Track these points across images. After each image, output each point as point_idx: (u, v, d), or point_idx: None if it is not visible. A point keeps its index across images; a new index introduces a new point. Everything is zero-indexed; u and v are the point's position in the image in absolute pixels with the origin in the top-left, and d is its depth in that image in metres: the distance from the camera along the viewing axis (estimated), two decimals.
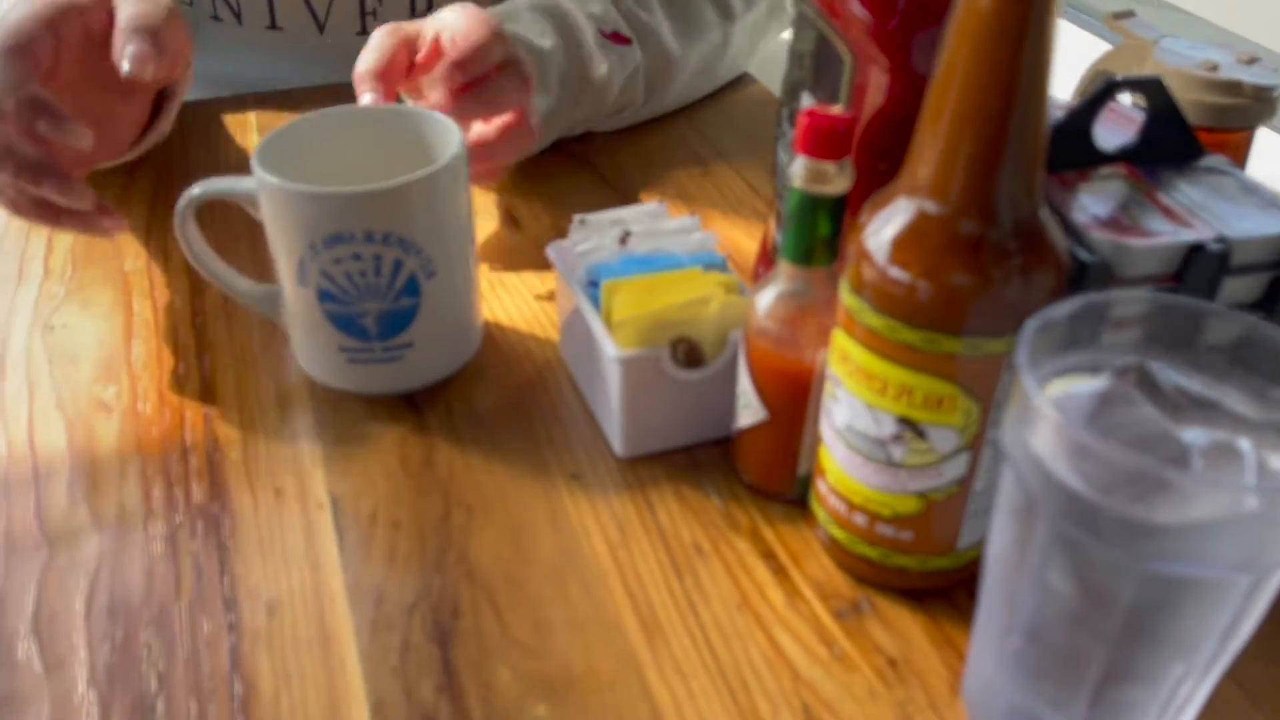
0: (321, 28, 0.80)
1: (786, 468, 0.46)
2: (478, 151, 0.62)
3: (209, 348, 0.56)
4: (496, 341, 0.56)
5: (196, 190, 0.50)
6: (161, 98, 0.66)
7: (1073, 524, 0.30)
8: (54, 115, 0.50)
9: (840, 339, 0.39)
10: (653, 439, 0.49)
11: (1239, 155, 0.56)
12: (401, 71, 0.60)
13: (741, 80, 0.84)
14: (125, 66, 0.52)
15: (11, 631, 0.41)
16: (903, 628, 0.42)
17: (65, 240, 0.64)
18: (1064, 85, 0.51)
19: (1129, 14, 0.63)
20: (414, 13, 0.79)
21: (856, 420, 0.40)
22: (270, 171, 0.47)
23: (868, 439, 0.39)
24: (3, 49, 0.51)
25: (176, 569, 0.44)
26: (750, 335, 0.44)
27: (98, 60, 0.55)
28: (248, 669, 0.40)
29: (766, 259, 0.54)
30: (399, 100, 0.62)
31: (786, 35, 0.82)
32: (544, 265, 0.62)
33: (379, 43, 0.59)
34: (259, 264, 0.62)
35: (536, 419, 0.51)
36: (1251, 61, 0.57)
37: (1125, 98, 0.48)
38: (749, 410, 0.45)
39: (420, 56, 0.60)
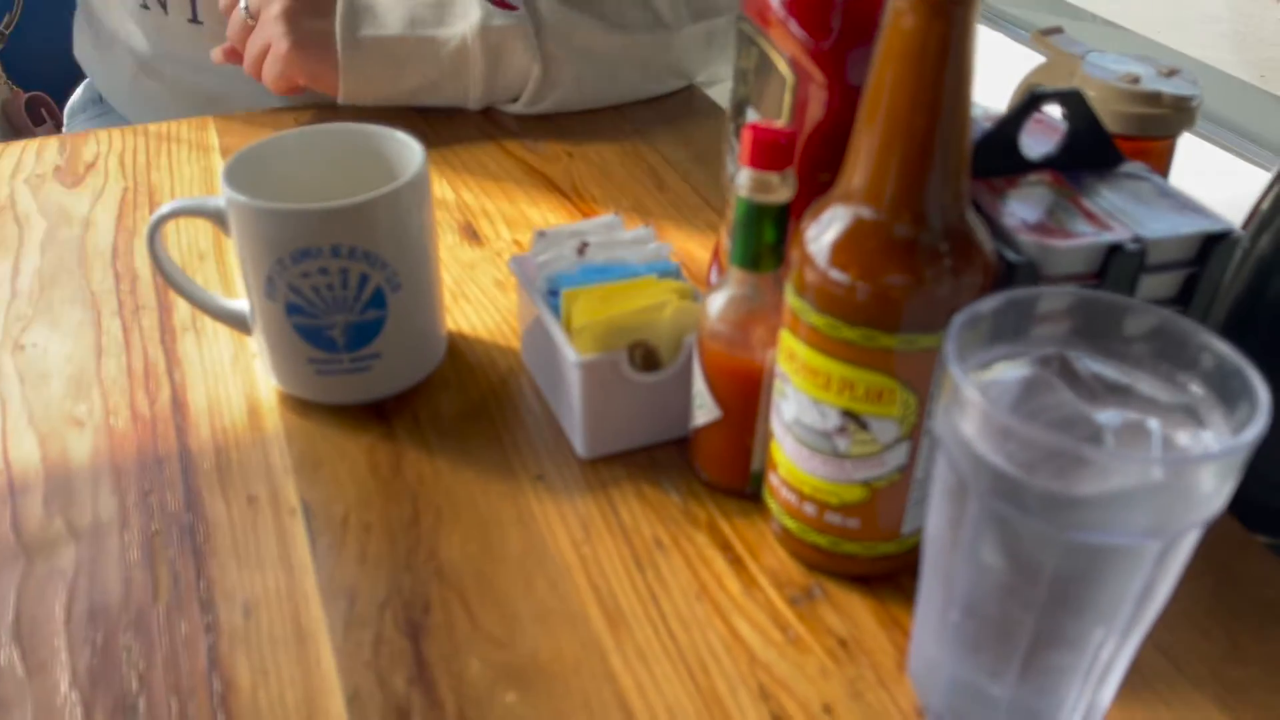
0: None
1: (741, 464, 0.48)
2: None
3: (178, 363, 0.57)
4: (460, 351, 0.58)
5: (166, 209, 0.52)
6: None
7: (1001, 500, 0.33)
8: None
9: (787, 339, 0.42)
10: (613, 440, 0.51)
11: (1161, 162, 0.59)
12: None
13: (695, 99, 0.87)
14: None
15: None
16: (852, 611, 0.44)
17: (32, 261, 0.65)
18: (998, 98, 0.54)
19: (1057, 30, 0.66)
20: None
21: (804, 414, 0.42)
22: (238, 190, 0.49)
23: (815, 432, 0.42)
24: None
25: (153, 574, 0.45)
26: (703, 338, 0.47)
27: None
28: (226, 667, 0.41)
29: (719, 267, 0.56)
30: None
31: None
32: (504, 277, 0.64)
33: None
34: (224, 280, 0.64)
35: (501, 424, 0.53)
36: (1171, 74, 0.60)
37: (1051, 110, 0.51)
38: (704, 410, 0.48)
39: None
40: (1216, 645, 0.43)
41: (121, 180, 0.74)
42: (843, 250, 0.39)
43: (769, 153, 0.42)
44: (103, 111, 1.01)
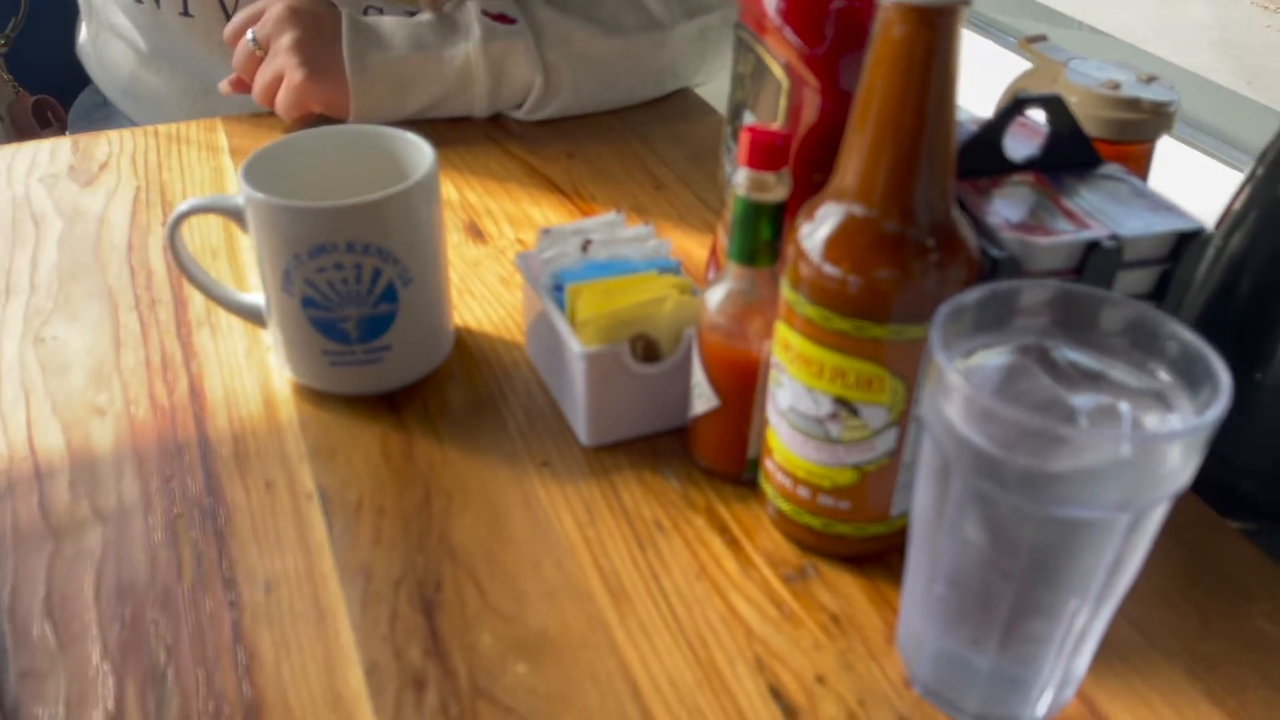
0: (228, 18, 0.86)
1: (738, 451, 0.50)
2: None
3: (195, 355, 0.59)
4: (467, 345, 0.60)
5: (186, 206, 0.54)
6: None
7: (982, 478, 0.35)
8: None
9: (782, 330, 0.44)
10: (615, 429, 0.53)
11: (1141, 165, 0.62)
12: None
13: (690, 102, 0.90)
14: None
15: (26, 614, 0.44)
16: (844, 589, 0.46)
17: (49, 257, 0.67)
18: (986, 102, 0.56)
19: (1041, 38, 0.69)
20: None
21: (798, 402, 0.44)
22: (255, 188, 0.51)
23: (808, 419, 0.44)
24: None
25: (177, 555, 0.47)
26: (702, 330, 0.49)
27: None
28: (250, 641, 0.43)
29: (717, 264, 0.59)
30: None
31: None
32: (508, 274, 0.67)
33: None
34: (236, 276, 0.66)
35: (507, 414, 0.55)
36: (1150, 80, 0.63)
37: (1035, 114, 0.53)
38: (703, 399, 0.50)
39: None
40: (1188, 621, 0.45)
41: (134, 179, 0.76)
42: (835, 246, 0.41)
43: (765, 154, 0.44)
44: (107, 114, 1.03)
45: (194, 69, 0.91)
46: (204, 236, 0.70)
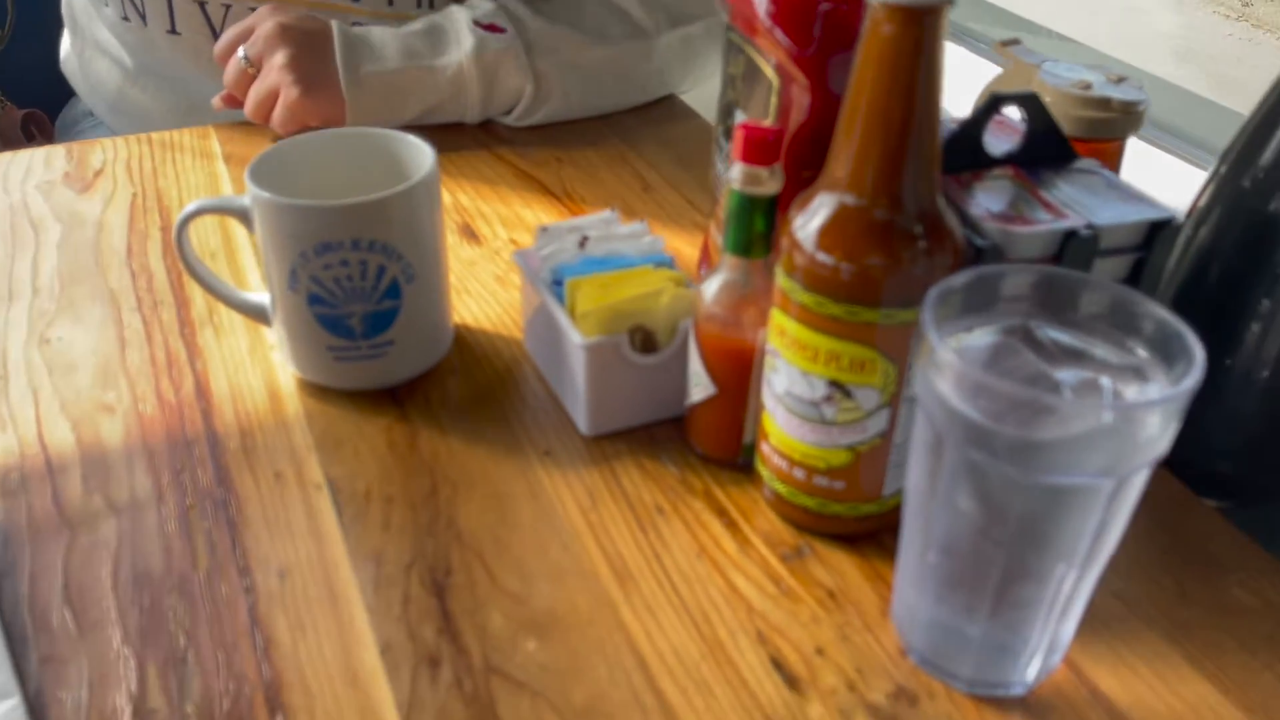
0: (215, 35, 0.87)
1: (734, 436, 0.52)
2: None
3: (199, 354, 0.60)
4: (466, 341, 0.62)
5: (193, 207, 0.55)
6: None
7: (974, 449, 0.37)
8: None
9: (778, 317, 0.46)
10: (615, 418, 0.55)
11: (1113, 163, 0.64)
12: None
13: (676, 107, 0.92)
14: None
15: (45, 603, 0.45)
16: (839, 566, 0.48)
17: (50, 261, 0.68)
18: (962, 106, 0.59)
19: (1015, 41, 0.71)
20: None
21: (794, 386, 0.46)
22: (262, 187, 0.53)
23: (803, 401, 0.46)
24: None
25: (191, 544, 0.48)
26: (699, 321, 0.51)
27: None
28: (266, 625, 0.45)
29: (707, 260, 0.61)
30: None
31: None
32: (503, 273, 0.68)
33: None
34: (236, 277, 0.67)
35: (508, 406, 0.57)
36: (1120, 81, 0.66)
37: (1011, 112, 0.56)
38: (700, 387, 0.52)
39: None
40: (1166, 591, 0.48)
41: (130, 186, 0.77)
42: (828, 235, 0.43)
43: (759, 149, 0.46)
44: (94, 126, 1.04)
45: (182, 87, 0.92)
46: (202, 240, 0.71)
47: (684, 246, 0.71)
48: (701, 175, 0.80)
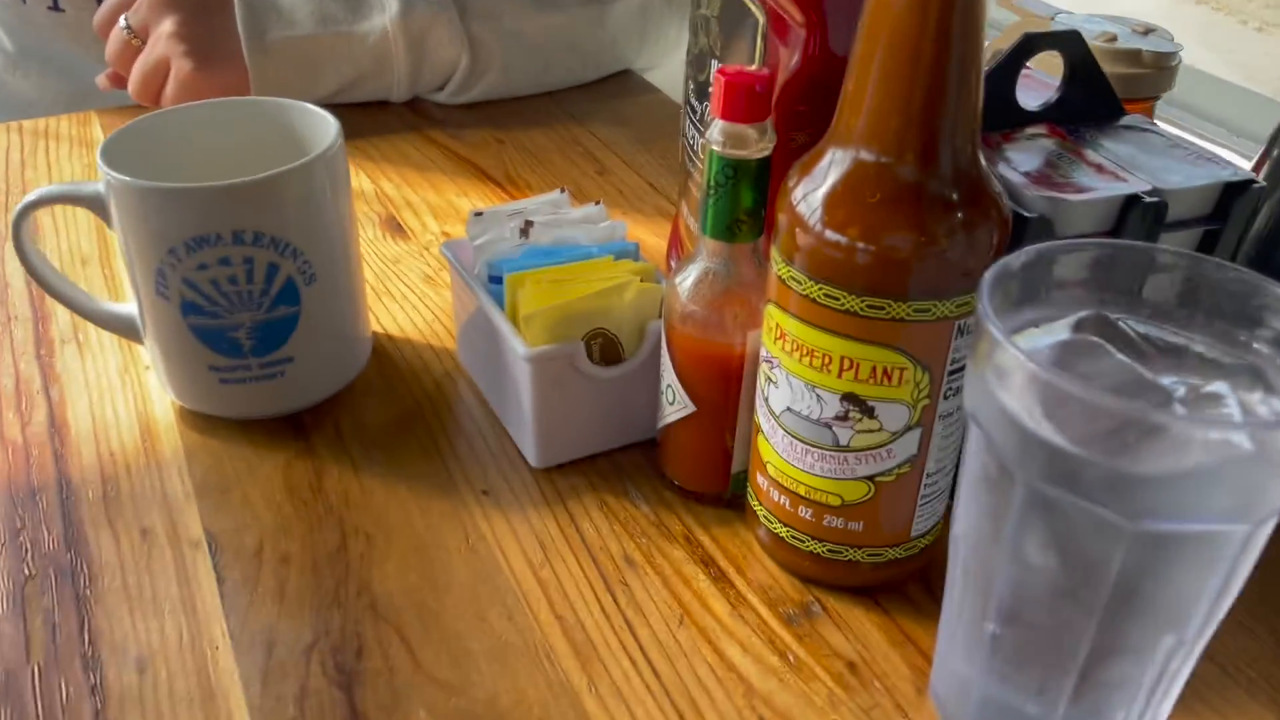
0: None
1: (719, 465, 0.42)
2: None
3: (56, 379, 0.49)
4: (387, 354, 0.51)
5: (33, 196, 0.44)
6: None
7: (1052, 484, 0.28)
8: None
9: (774, 315, 0.36)
10: (570, 446, 0.45)
11: None
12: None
13: (631, 81, 0.82)
14: None
15: None
16: (858, 629, 0.38)
17: None
18: None
19: None
20: None
21: (797, 402, 0.36)
22: (119, 170, 0.42)
23: (810, 422, 0.36)
24: None
25: (25, 628, 0.37)
26: (672, 323, 0.41)
27: None
28: None
29: (679, 248, 0.50)
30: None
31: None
32: (434, 273, 0.58)
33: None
34: (113, 287, 0.56)
35: (439, 434, 0.47)
36: (1147, 32, 0.57)
37: (1036, 63, 0.46)
38: (674, 405, 0.42)
39: None
40: (1263, 645, 0.38)
41: None
42: (840, 204, 0.33)
43: (745, 100, 0.36)
44: None
45: (68, 70, 0.81)
46: (72, 242, 0.59)
47: (648, 236, 0.61)
48: (665, 154, 0.70)
